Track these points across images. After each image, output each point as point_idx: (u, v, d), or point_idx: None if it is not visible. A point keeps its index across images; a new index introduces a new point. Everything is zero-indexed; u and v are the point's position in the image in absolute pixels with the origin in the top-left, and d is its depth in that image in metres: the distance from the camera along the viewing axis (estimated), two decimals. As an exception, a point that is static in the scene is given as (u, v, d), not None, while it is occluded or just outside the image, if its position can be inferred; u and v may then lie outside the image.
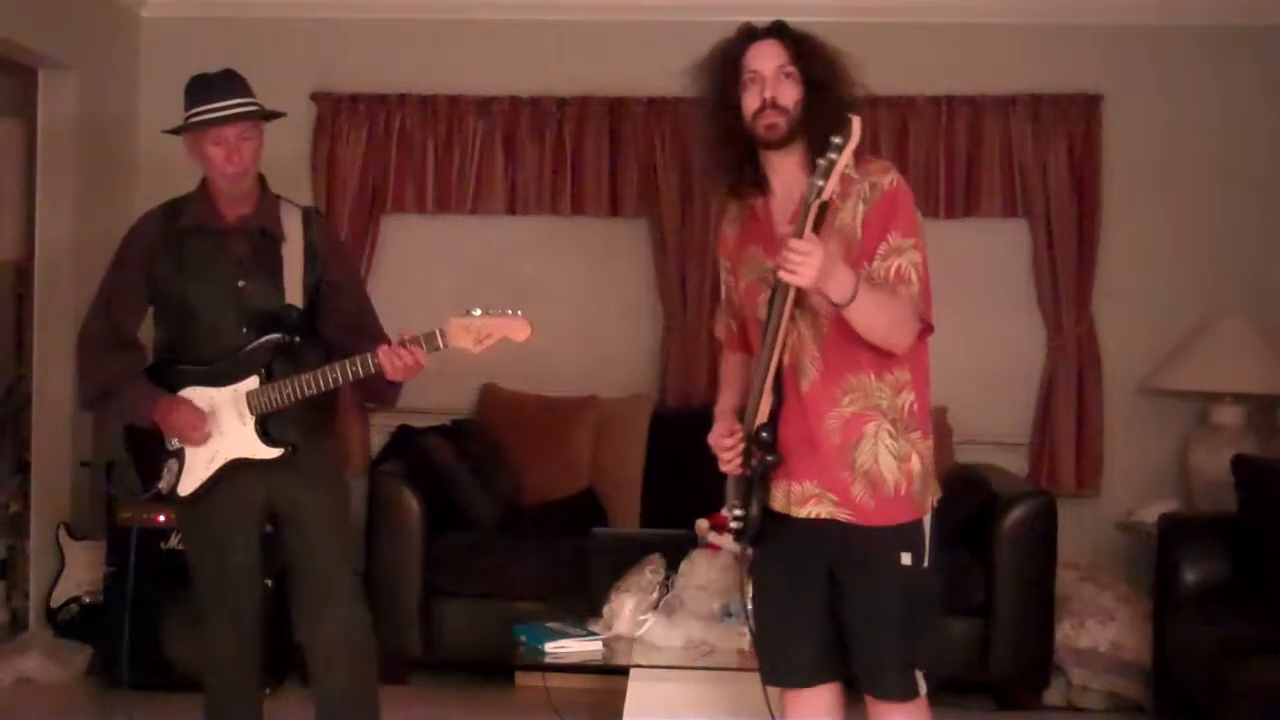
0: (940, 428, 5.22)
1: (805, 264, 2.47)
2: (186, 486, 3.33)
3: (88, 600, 5.04)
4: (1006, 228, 5.52)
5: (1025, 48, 5.50)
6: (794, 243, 2.49)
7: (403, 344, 3.12)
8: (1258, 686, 3.69)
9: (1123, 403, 5.48)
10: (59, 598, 5.07)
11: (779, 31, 2.75)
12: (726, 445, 2.79)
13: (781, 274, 2.51)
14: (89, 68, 5.36)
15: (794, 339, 2.72)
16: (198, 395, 3.31)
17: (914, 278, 2.67)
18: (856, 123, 2.50)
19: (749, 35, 2.76)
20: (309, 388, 3.21)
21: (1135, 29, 5.48)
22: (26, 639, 5.11)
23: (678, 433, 5.34)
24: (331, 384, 3.20)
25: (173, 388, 3.32)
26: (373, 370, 3.16)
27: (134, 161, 5.75)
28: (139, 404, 3.32)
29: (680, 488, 5.02)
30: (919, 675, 2.76)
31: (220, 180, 3.31)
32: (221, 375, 3.30)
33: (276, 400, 3.25)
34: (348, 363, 3.18)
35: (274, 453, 3.29)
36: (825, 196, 2.50)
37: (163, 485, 3.34)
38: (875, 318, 2.60)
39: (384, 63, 5.65)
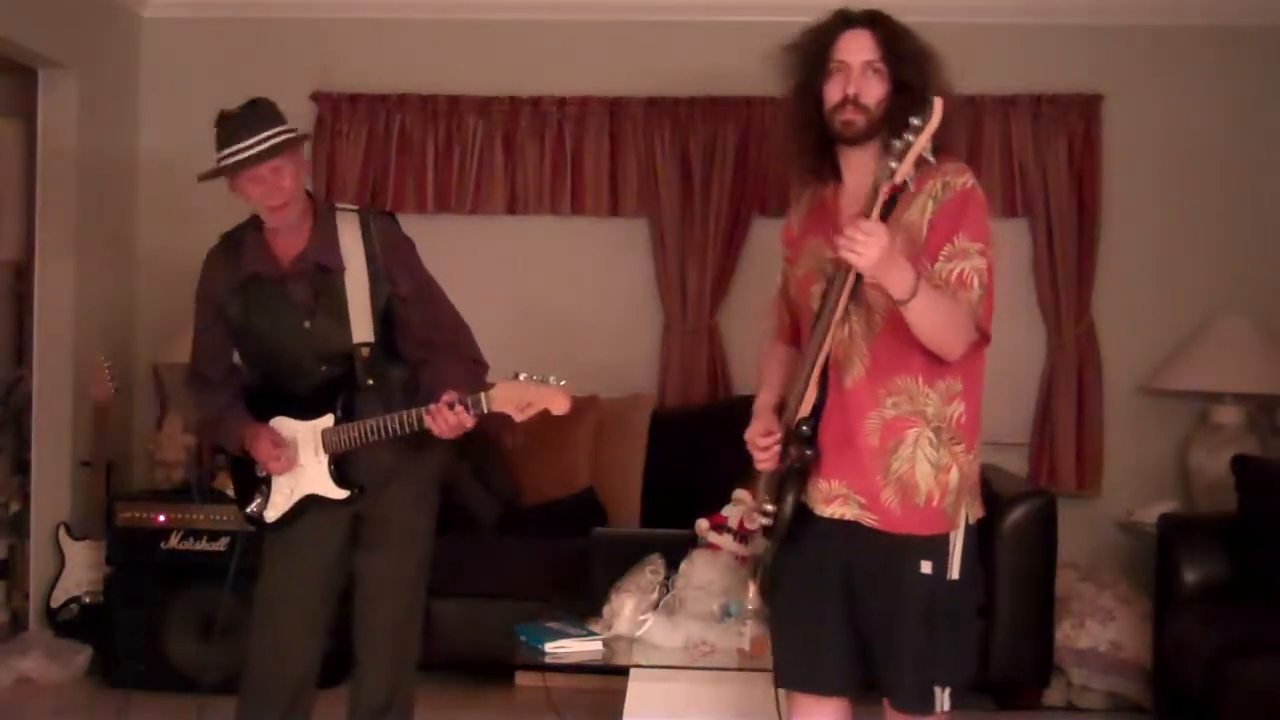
0: (940, 428, 5.21)
1: (868, 245, 2.37)
2: (272, 514, 3.33)
3: (88, 600, 5.04)
4: (1006, 228, 5.51)
5: (1025, 48, 5.50)
6: (859, 222, 2.39)
7: (449, 405, 3.08)
8: (1258, 686, 3.68)
9: (1123, 403, 5.49)
10: (59, 598, 5.07)
11: (873, 22, 2.64)
12: (761, 445, 2.70)
13: (842, 253, 2.41)
14: (89, 68, 5.36)
15: (844, 334, 2.63)
16: (285, 425, 3.30)
17: (976, 284, 2.58)
18: (938, 104, 2.38)
19: (843, 22, 2.65)
20: (373, 435, 3.18)
21: (1135, 29, 5.48)
22: (26, 639, 5.11)
23: (678, 433, 5.34)
24: (391, 434, 3.16)
25: (268, 414, 3.32)
26: (419, 428, 3.12)
27: (134, 161, 5.76)
28: (231, 434, 3.35)
29: (680, 488, 5.03)
30: (941, 691, 2.64)
31: (267, 216, 3.24)
32: (306, 408, 3.28)
33: (346, 442, 3.23)
34: (402, 415, 3.14)
35: (342, 494, 3.27)
36: (897, 180, 2.40)
37: (252, 509, 3.35)
38: (932, 319, 2.51)
39: (384, 63, 5.66)
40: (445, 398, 3.08)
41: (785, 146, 2.76)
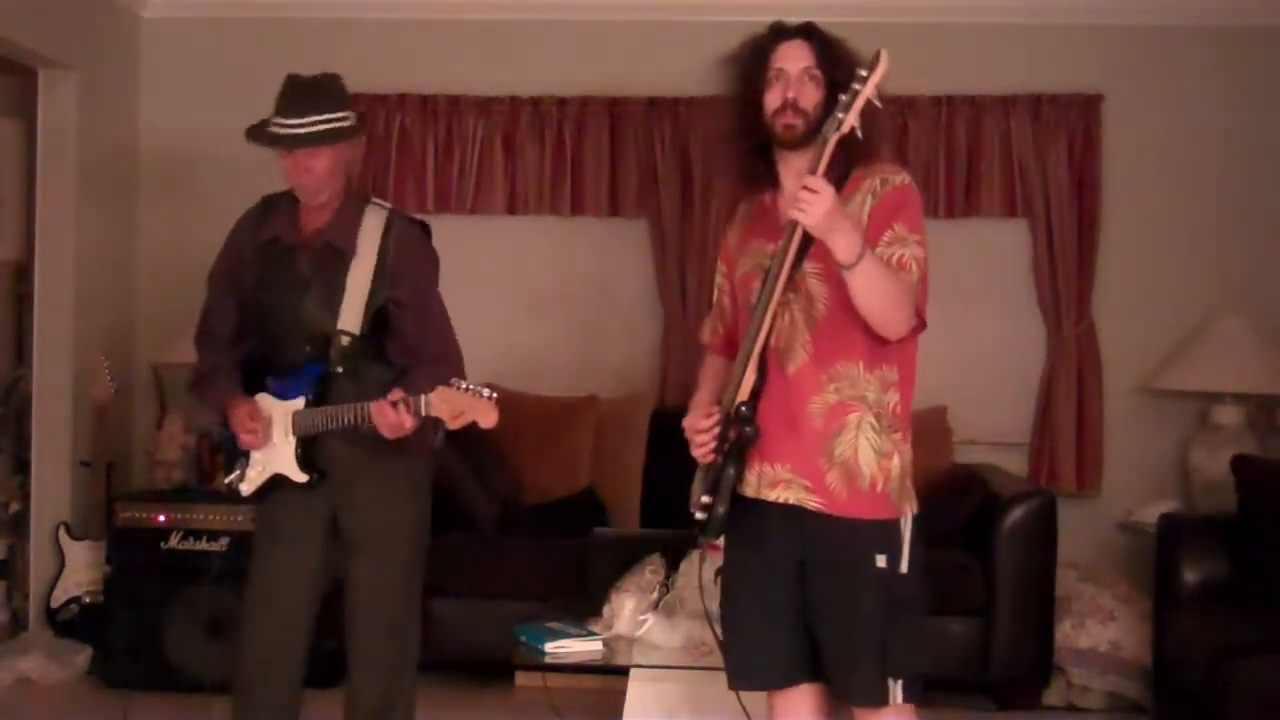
0: (940, 428, 5.23)
1: (815, 202, 2.46)
2: (246, 487, 3.36)
3: (88, 600, 5.04)
4: (1006, 228, 5.52)
5: (1025, 48, 5.50)
6: (808, 179, 2.48)
7: (393, 404, 3.09)
8: (1258, 686, 3.68)
9: (1123, 403, 5.48)
10: (59, 598, 5.07)
11: (808, 33, 2.75)
12: (702, 428, 2.76)
13: (790, 212, 2.50)
14: (89, 68, 5.36)
15: (785, 323, 2.70)
16: (266, 402, 3.32)
17: (914, 269, 2.66)
18: (884, 56, 2.50)
19: (779, 34, 2.77)
20: (333, 423, 3.20)
21: (1135, 29, 5.48)
22: (26, 639, 5.11)
23: (678, 433, 5.31)
24: (346, 424, 3.18)
25: (257, 388, 3.35)
26: (367, 422, 3.14)
27: (134, 161, 5.76)
28: (216, 400, 3.39)
29: (680, 488, 4.97)
30: (894, 683, 2.68)
31: (294, 190, 3.28)
32: (283, 389, 3.30)
33: (311, 427, 3.25)
34: (354, 407, 3.16)
35: (302, 477, 3.28)
36: (844, 129, 2.51)
37: (231, 479, 3.39)
38: (878, 287, 2.57)
39: (384, 63, 5.65)
40: (391, 395, 3.10)
41: (724, 152, 2.87)
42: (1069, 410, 5.43)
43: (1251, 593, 4.29)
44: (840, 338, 2.68)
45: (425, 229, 3.47)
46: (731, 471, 2.72)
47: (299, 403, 3.27)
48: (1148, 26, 5.47)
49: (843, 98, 2.52)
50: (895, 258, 2.65)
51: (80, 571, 5.07)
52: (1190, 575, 4.42)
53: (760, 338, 2.67)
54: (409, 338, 3.30)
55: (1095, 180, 5.44)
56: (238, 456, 3.38)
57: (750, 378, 2.69)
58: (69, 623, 5.06)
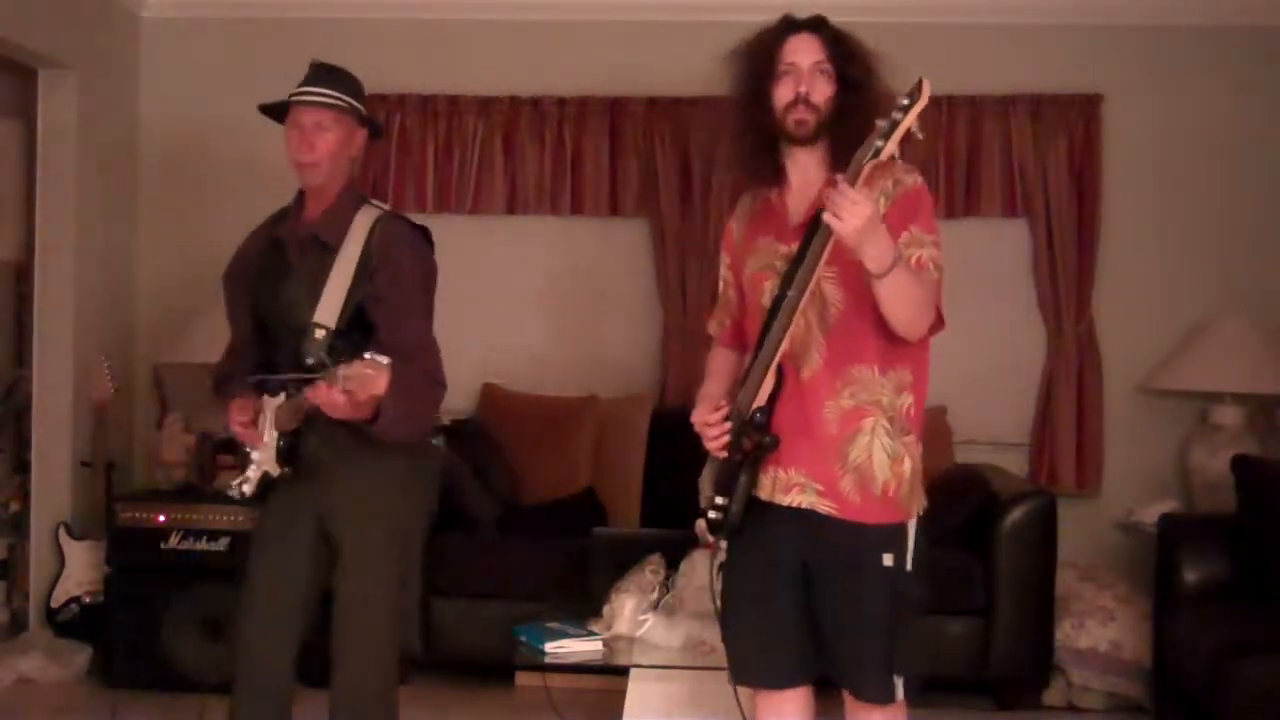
0: (940, 428, 5.23)
1: (852, 212, 2.42)
2: (247, 489, 3.34)
3: (88, 600, 5.04)
4: (1006, 228, 5.53)
5: (1025, 48, 5.50)
6: (845, 188, 2.44)
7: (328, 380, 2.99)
8: (1258, 686, 3.68)
9: (1123, 403, 5.49)
10: (59, 598, 5.07)
11: (818, 26, 2.73)
12: (712, 422, 2.74)
13: (827, 218, 2.45)
14: (89, 68, 5.36)
15: (799, 327, 2.67)
16: (264, 401, 3.30)
17: (933, 268, 2.65)
18: (926, 85, 2.47)
19: (789, 27, 2.74)
20: (298, 414, 3.18)
21: (1135, 29, 5.48)
22: (26, 639, 5.11)
23: (678, 433, 5.27)
24: (305, 412, 3.15)
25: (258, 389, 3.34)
26: (308, 404, 3.08)
27: (134, 161, 5.76)
28: (224, 403, 3.38)
29: (680, 488, 4.99)
30: (898, 681, 2.70)
31: (295, 171, 3.27)
32: (273, 385, 3.28)
33: (285, 420, 3.23)
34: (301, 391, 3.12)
35: (276, 470, 3.27)
36: (883, 157, 2.48)
37: (237, 482, 3.36)
38: (908, 293, 2.56)
39: (384, 63, 5.64)
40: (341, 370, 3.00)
41: (732, 149, 2.83)
42: (1069, 410, 5.43)
43: (1251, 593, 4.29)
44: (854, 342, 2.67)
45: (425, 234, 3.44)
46: (747, 477, 2.71)
47: (280, 398, 3.25)
48: (1148, 26, 5.47)
49: (881, 124, 2.48)
50: (914, 259, 2.63)
51: (80, 571, 5.07)
52: (1190, 575, 4.42)
53: (783, 344, 2.65)
54: (383, 331, 3.22)
55: (1095, 180, 5.44)
56: (245, 462, 3.35)
57: (769, 383, 2.68)
58: (69, 623, 5.06)
